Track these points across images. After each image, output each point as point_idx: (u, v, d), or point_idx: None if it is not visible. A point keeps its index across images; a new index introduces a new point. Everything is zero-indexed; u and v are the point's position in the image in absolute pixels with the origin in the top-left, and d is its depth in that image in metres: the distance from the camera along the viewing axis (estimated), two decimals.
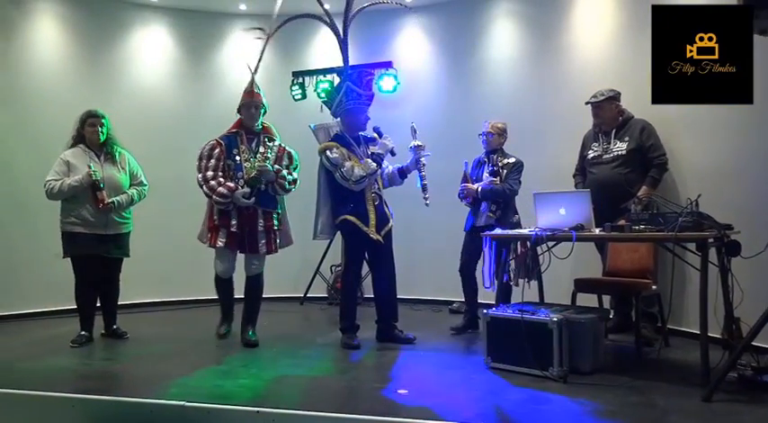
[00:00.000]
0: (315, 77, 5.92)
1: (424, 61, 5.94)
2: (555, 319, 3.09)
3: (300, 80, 5.94)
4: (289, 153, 4.19)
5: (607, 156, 4.12)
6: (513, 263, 3.65)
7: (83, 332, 4.13)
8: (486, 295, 4.18)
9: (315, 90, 5.95)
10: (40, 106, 5.38)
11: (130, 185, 4.24)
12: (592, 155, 4.22)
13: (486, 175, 4.28)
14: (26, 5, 5.35)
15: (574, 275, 3.97)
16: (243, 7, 6.05)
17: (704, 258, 2.92)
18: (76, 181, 4.00)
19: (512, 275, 3.64)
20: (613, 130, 4.13)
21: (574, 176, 4.41)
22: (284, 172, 4.06)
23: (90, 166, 4.03)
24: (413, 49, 5.97)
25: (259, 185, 3.96)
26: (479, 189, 4.22)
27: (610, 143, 4.13)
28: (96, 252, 4.09)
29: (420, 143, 4.07)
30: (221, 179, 3.92)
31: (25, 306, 5.22)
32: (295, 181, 4.13)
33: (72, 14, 5.56)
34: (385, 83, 5.71)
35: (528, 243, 3.59)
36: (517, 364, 3.20)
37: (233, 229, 3.97)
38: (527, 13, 5.39)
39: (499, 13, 5.56)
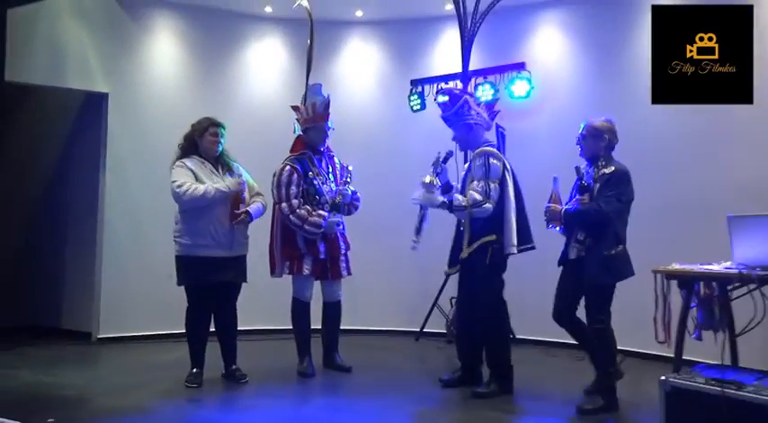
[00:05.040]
0: (435, 86, 5.51)
1: (564, 62, 5.20)
2: None
3: (419, 89, 5.59)
4: (348, 169, 4.15)
5: None
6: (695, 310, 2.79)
7: (196, 370, 3.69)
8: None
9: (435, 100, 5.45)
10: (158, 120, 5.30)
11: (251, 197, 3.85)
12: None
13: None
14: (146, 21, 5.38)
15: None
16: (359, 14, 5.69)
17: None
18: (225, 187, 3.60)
19: (694, 326, 2.78)
20: None
21: None
22: (358, 193, 4.06)
23: (235, 177, 3.69)
24: (550, 48, 5.26)
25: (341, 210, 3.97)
26: (563, 211, 3.30)
27: None
28: (218, 278, 3.63)
29: (433, 180, 3.52)
30: (308, 207, 3.87)
31: (134, 329, 5.11)
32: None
33: (189, 29, 5.51)
34: (517, 87, 5.08)
35: (714, 284, 2.76)
36: None
37: (321, 257, 3.91)
38: None
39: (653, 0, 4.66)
